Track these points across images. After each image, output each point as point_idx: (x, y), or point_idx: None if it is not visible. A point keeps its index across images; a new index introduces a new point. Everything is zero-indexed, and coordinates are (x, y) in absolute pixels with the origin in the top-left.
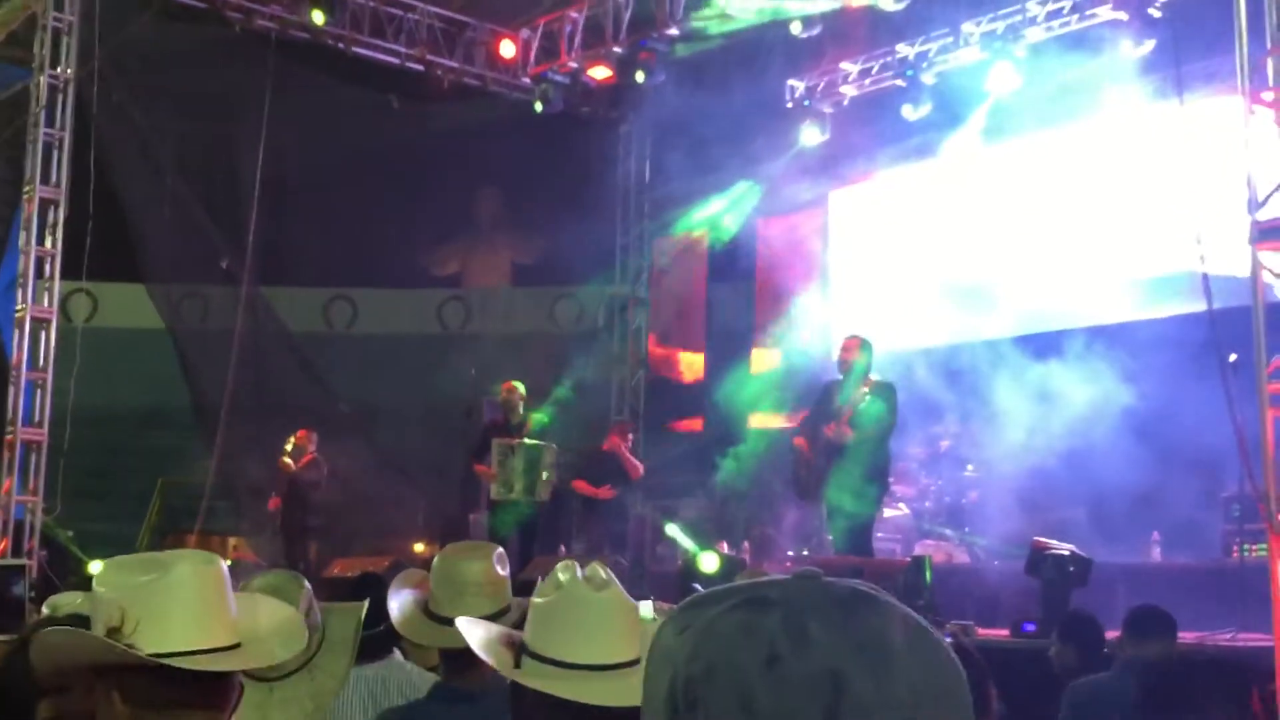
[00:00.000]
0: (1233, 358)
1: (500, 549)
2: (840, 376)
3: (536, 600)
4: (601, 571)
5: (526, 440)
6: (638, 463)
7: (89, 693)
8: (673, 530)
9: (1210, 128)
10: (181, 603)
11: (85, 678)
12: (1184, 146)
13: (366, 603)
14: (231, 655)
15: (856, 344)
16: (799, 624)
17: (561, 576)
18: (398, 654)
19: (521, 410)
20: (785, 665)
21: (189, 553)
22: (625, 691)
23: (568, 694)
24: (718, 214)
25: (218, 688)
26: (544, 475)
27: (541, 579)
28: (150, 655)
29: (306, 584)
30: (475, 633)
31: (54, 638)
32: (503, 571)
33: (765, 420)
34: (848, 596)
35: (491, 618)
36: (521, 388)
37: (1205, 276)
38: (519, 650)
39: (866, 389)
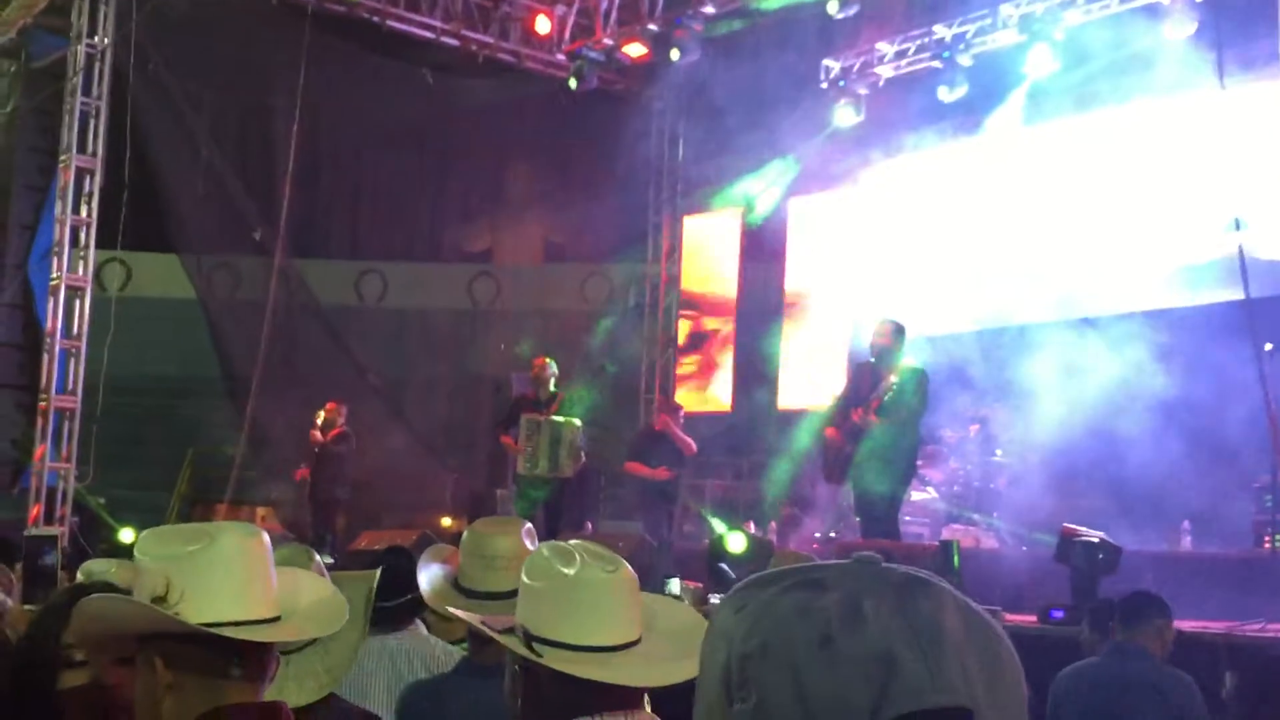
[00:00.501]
0: (1269, 346)
1: (529, 524)
2: (873, 360)
3: (533, 584)
4: (605, 552)
5: (554, 417)
6: (689, 439)
7: (115, 665)
8: (707, 514)
9: (1251, 113)
10: (226, 574)
11: (120, 647)
12: (1224, 131)
13: (378, 571)
14: (273, 628)
15: (890, 329)
16: (854, 606)
17: (560, 562)
18: (421, 626)
19: (552, 386)
20: (838, 645)
21: (233, 525)
22: (649, 670)
23: (600, 676)
24: (751, 193)
25: (258, 658)
26: (568, 452)
27: (568, 559)
28: (197, 625)
29: (316, 556)
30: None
31: (101, 605)
32: (531, 546)
33: (795, 400)
34: (904, 581)
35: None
36: (554, 364)
37: (1243, 263)
38: (525, 635)
39: (895, 377)
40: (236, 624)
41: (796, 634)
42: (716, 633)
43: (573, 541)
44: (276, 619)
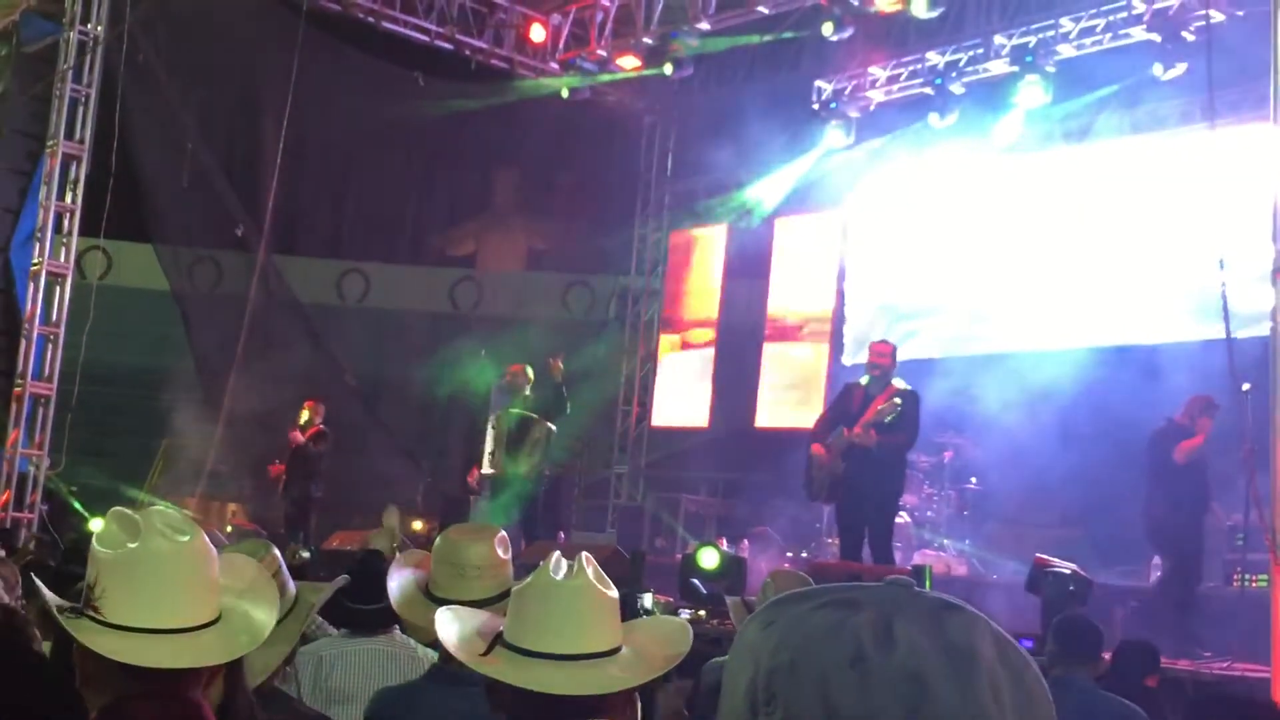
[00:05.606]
0: (1246, 386)
1: (502, 532)
2: (863, 380)
3: (516, 588)
4: (574, 562)
5: (512, 409)
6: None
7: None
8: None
9: (1239, 154)
10: (146, 579)
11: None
12: (1212, 171)
13: (340, 579)
14: (177, 641)
15: (889, 349)
16: (886, 626)
17: (539, 567)
18: (398, 631)
19: (527, 391)
20: (869, 665)
21: (174, 522)
22: (584, 680)
23: (519, 682)
24: (738, 210)
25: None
26: (529, 448)
27: (542, 564)
28: (111, 623)
29: (275, 550)
30: (450, 624)
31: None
32: (504, 555)
33: (772, 419)
34: (937, 605)
35: (492, 601)
36: (530, 370)
37: (1225, 302)
38: (498, 638)
39: (894, 395)
40: (146, 631)
41: (827, 652)
42: (743, 648)
43: (554, 553)
44: (211, 624)
